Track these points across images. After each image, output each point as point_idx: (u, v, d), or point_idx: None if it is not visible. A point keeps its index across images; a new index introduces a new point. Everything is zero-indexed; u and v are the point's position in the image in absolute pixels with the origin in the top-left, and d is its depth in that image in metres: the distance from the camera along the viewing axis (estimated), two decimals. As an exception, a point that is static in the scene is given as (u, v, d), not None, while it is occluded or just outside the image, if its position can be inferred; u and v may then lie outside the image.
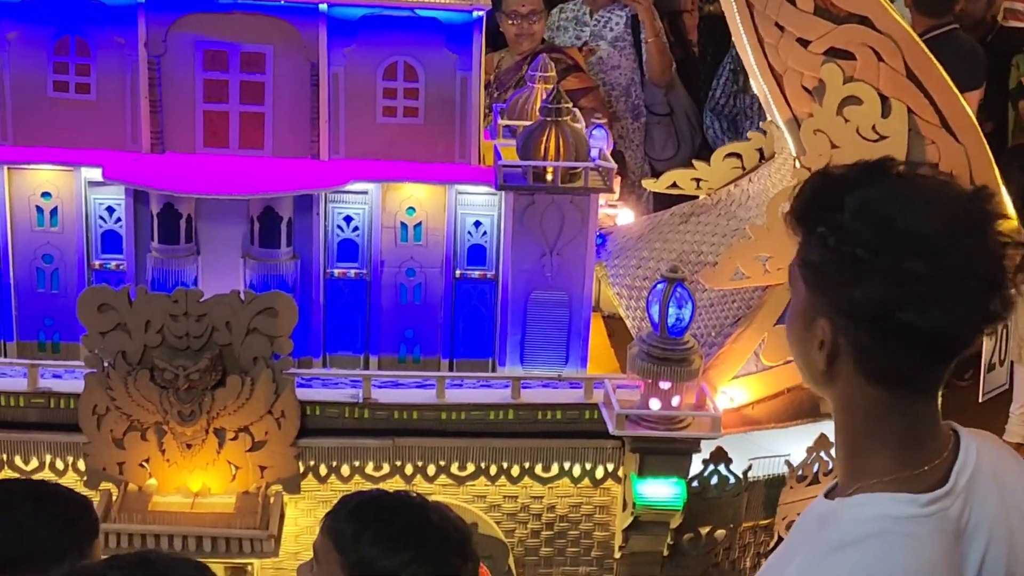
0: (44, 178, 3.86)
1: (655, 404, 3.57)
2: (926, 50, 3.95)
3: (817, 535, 1.92)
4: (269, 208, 3.82)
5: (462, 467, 3.72)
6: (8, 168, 3.82)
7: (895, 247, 1.82)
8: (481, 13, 3.88)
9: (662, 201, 5.30)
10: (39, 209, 3.87)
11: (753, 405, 3.86)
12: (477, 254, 3.94)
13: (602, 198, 4.09)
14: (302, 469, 3.65)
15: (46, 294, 3.92)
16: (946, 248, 1.81)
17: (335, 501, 2.72)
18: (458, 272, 3.96)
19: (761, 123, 4.39)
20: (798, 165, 3.94)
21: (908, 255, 1.80)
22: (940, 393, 1.95)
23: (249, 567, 3.67)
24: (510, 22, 5.89)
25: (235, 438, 3.58)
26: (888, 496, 1.89)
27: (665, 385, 3.55)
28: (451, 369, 3.98)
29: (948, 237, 1.82)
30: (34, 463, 3.64)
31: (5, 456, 3.63)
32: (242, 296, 3.55)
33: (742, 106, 6.41)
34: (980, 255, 1.83)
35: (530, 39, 5.95)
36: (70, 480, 3.63)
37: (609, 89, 6.35)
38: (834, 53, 3.88)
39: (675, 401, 3.56)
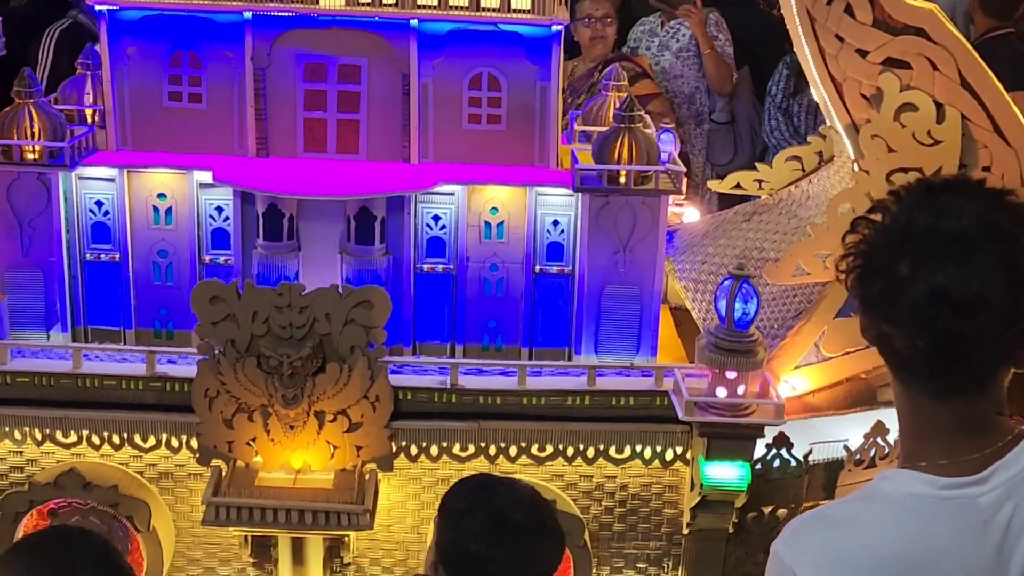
0: (160, 180, 3.89)
1: (722, 392, 3.52)
2: (979, 59, 3.85)
3: None
4: (364, 208, 3.82)
5: (541, 448, 3.70)
6: (128, 171, 3.86)
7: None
8: (559, 27, 3.87)
9: (724, 201, 5.24)
10: (155, 209, 3.91)
11: (814, 393, 3.80)
12: (555, 251, 3.92)
13: (671, 198, 4.05)
14: (394, 449, 3.66)
15: (161, 286, 3.96)
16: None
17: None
18: (537, 267, 3.93)
19: (821, 128, 4.31)
20: (856, 168, 3.87)
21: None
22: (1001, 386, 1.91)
23: (346, 539, 3.69)
24: (585, 26, 5.86)
25: (334, 420, 3.59)
26: (911, 474, 1.90)
27: (731, 374, 3.51)
28: (530, 357, 3.96)
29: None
30: (151, 441, 3.67)
31: (125, 435, 3.66)
32: (340, 290, 3.54)
33: (797, 109, 6.30)
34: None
35: (603, 42, 5.92)
36: (184, 457, 3.69)
37: (672, 97, 6.28)
38: (891, 63, 3.80)
39: (740, 389, 3.52)
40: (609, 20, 5.89)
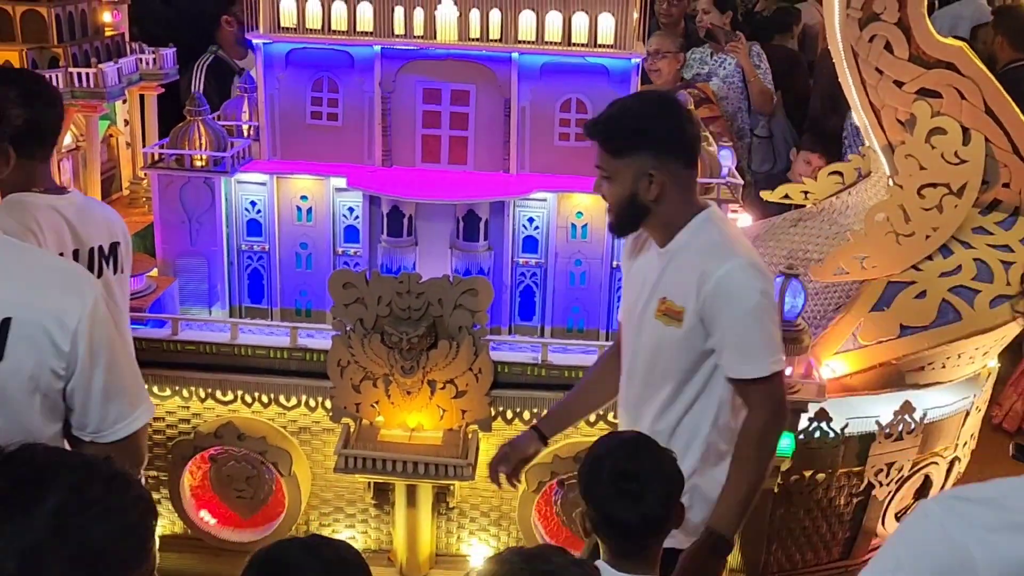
0: (303, 185, 3.99)
1: (772, 372, 3.54)
2: (1001, 90, 3.82)
3: None
4: (471, 211, 3.89)
5: (617, 416, 3.73)
6: (277, 177, 3.97)
7: None
8: (638, 60, 3.89)
9: (768, 209, 5.22)
10: (299, 208, 4.01)
11: (851, 376, 3.79)
12: (630, 249, 3.96)
13: (729, 205, 4.06)
14: (493, 413, 3.71)
15: (302, 272, 4.07)
16: None
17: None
18: (615, 263, 3.97)
19: (860, 147, 4.29)
20: (891, 183, 3.86)
21: None
22: None
23: (451, 487, 3.78)
24: (645, 62, 5.81)
25: (443, 388, 3.65)
26: None
27: (780, 358, 3.53)
28: (607, 339, 4.00)
29: None
30: (293, 401, 3.76)
31: (272, 396, 3.76)
32: (451, 279, 3.62)
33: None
34: None
35: (658, 75, 5.82)
36: (319, 415, 3.78)
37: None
38: (924, 92, 3.77)
39: (788, 371, 3.53)
40: (661, 55, 5.76)
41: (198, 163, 3.86)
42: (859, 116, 3.95)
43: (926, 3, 3.76)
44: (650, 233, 2.81)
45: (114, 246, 2.99)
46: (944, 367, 3.83)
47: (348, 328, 3.62)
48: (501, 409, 3.73)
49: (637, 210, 2.72)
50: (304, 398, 3.76)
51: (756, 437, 2.69)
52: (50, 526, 1.35)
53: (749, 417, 2.72)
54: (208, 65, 5.96)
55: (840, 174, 4.43)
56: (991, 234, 3.75)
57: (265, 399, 3.78)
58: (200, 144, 3.84)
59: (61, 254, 2.74)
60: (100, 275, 2.93)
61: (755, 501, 2.73)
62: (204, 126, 3.85)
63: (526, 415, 3.73)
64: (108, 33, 4.68)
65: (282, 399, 3.76)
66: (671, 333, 2.72)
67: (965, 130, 3.73)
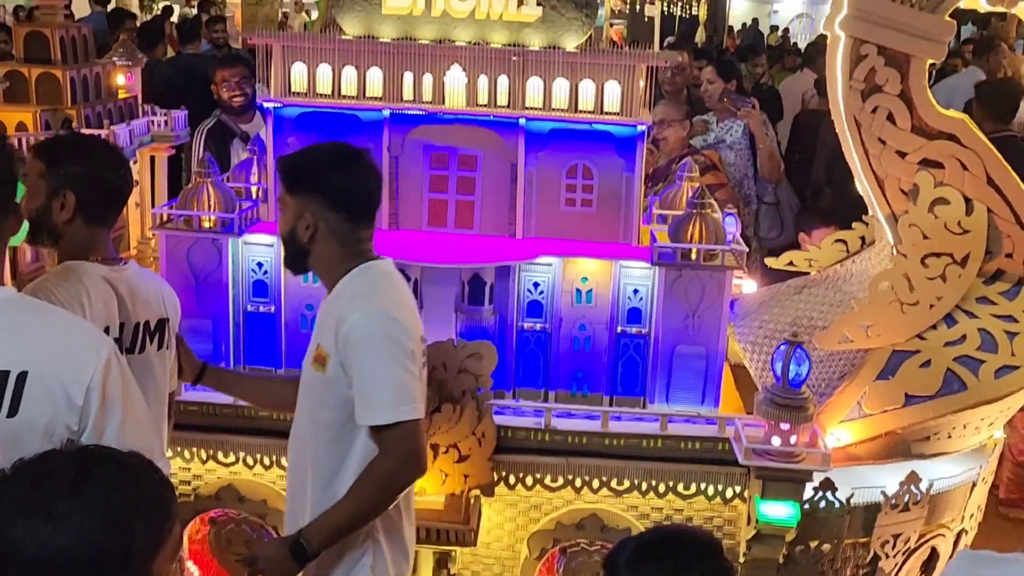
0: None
1: (776, 441, 3.53)
2: (1003, 160, 3.86)
3: None
4: (476, 275, 3.90)
5: (620, 483, 3.72)
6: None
7: None
8: (643, 127, 3.92)
9: (774, 275, 5.24)
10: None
11: (856, 445, 3.77)
12: (635, 315, 3.96)
13: (734, 272, 4.07)
14: (496, 478, 3.69)
15: (307, 334, 3.85)
16: None
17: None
18: (619, 328, 3.97)
19: (864, 216, 4.32)
20: (895, 252, 3.88)
21: None
22: None
23: (453, 553, 3.72)
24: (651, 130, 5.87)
25: (446, 452, 3.63)
26: None
27: (785, 426, 3.52)
28: (611, 404, 3.99)
29: None
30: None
31: (274, 458, 3.74)
32: (455, 343, 3.63)
33: None
34: None
35: (664, 143, 5.89)
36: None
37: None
38: (926, 163, 3.81)
39: (793, 439, 3.52)
40: (667, 124, 5.83)
41: (206, 224, 3.88)
42: (862, 185, 3.98)
43: (927, 76, 3.81)
44: (321, 279, 3.03)
45: (162, 323, 3.02)
46: (950, 437, 3.81)
47: (352, 390, 3.61)
48: (504, 474, 3.70)
49: (296, 248, 2.95)
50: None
51: (378, 476, 2.80)
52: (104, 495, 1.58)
53: (377, 458, 2.82)
54: (210, 129, 6.04)
55: (844, 242, 4.46)
56: (995, 304, 3.76)
57: (267, 461, 3.76)
58: (209, 205, 3.87)
59: (107, 328, 2.76)
60: (143, 351, 2.94)
61: (350, 531, 2.86)
62: (213, 188, 3.88)
63: (529, 480, 3.72)
64: (121, 95, 4.74)
65: (284, 461, 3.64)
66: (320, 378, 2.88)
67: (968, 200, 3.76)
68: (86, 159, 2.86)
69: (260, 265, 4.00)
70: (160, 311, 3.03)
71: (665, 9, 26.64)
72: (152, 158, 5.02)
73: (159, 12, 15.99)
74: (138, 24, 11.05)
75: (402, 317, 2.87)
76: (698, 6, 26.44)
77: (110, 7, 13.05)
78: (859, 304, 3.86)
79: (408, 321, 2.89)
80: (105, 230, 2.92)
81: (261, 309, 4.03)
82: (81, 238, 2.86)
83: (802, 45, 18.59)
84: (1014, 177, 3.83)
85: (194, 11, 14.41)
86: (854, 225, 4.43)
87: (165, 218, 3.97)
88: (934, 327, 3.76)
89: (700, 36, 24.22)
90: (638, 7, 26.29)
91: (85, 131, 4.25)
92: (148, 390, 2.87)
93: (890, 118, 3.81)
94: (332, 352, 2.83)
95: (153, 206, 4.94)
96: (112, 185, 2.90)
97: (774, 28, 29.41)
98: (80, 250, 2.85)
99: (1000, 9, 3.81)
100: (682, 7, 26.58)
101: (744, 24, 28.27)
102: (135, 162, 4.90)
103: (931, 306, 3.75)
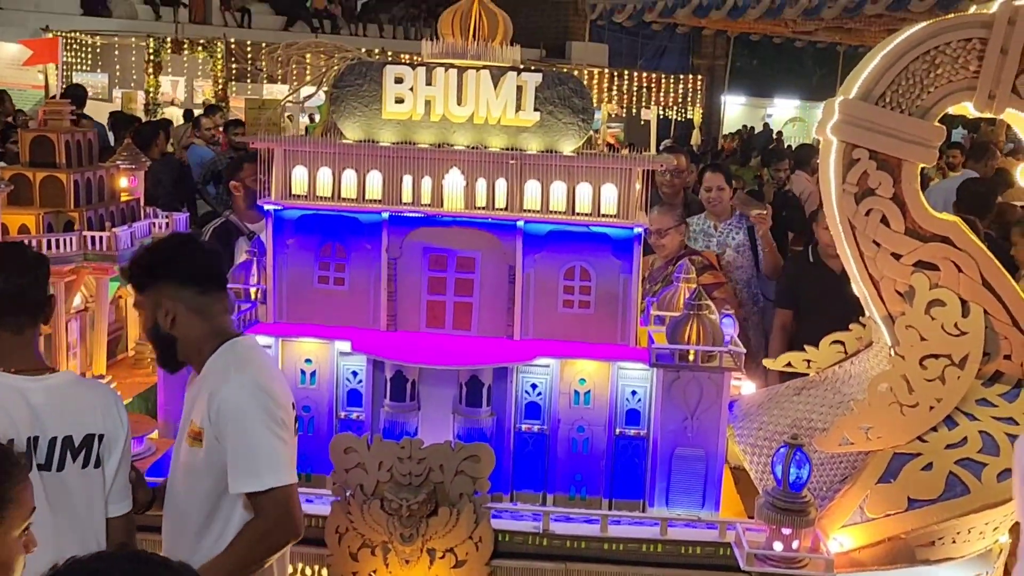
0: (307, 348, 4.00)
1: (778, 546, 3.48)
2: (997, 263, 3.89)
3: None
4: (474, 376, 3.89)
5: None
6: (282, 340, 3.99)
7: None
8: (640, 230, 3.97)
9: (777, 375, 5.24)
10: (302, 372, 4.01)
11: (859, 550, 3.70)
12: (633, 416, 3.94)
13: (732, 373, 4.06)
14: (494, 584, 3.62)
15: (304, 436, 3.96)
16: None
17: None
18: (618, 430, 3.95)
19: (861, 318, 4.32)
20: (893, 353, 3.87)
21: None
22: None
23: (449, 661, 3.64)
24: (649, 238, 5.89)
25: (443, 557, 3.58)
26: None
27: (787, 531, 3.47)
28: (610, 508, 3.95)
29: None
30: (289, 569, 3.58)
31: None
32: (452, 445, 3.60)
33: None
34: None
35: (662, 249, 5.93)
36: (315, 584, 3.69)
37: (734, 284, 6.38)
38: (922, 265, 3.83)
39: (795, 544, 3.47)
40: (662, 234, 5.87)
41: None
42: (858, 287, 4.00)
43: (919, 180, 3.86)
44: (191, 364, 3.09)
45: (90, 438, 2.91)
46: (955, 542, 3.75)
47: (348, 494, 3.59)
48: (502, 580, 3.63)
49: (163, 341, 3.03)
50: (300, 566, 3.67)
51: (253, 537, 2.88)
52: None
53: (254, 519, 2.89)
54: (216, 229, 6.10)
55: (842, 343, 4.45)
56: (995, 406, 3.74)
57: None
58: (207, 307, 3.86)
59: (11, 440, 2.61)
60: (61, 468, 2.84)
61: None
62: (213, 289, 3.88)
63: (527, 586, 3.64)
64: (124, 198, 4.80)
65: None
66: (196, 454, 2.93)
67: (964, 302, 3.77)
68: None
69: (257, 366, 3.98)
70: (93, 426, 2.93)
71: (661, 113, 27.20)
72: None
73: (162, 116, 16.31)
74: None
75: (272, 387, 2.97)
76: (693, 110, 27.05)
77: (115, 111, 13.34)
78: (859, 406, 3.83)
79: (278, 390, 2.99)
80: (15, 336, 2.87)
81: (257, 410, 3.99)
82: None
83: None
84: (1009, 280, 3.85)
85: (199, 111, 14.67)
86: (852, 327, 4.43)
87: (164, 319, 3.96)
88: (935, 429, 3.73)
89: (696, 139, 24.69)
90: (634, 111, 26.86)
91: (87, 233, 4.29)
92: (62, 510, 2.82)
93: (884, 221, 3.84)
94: (207, 426, 2.91)
95: (152, 307, 4.95)
96: (13, 291, 2.85)
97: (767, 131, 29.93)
98: None
99: (988, 115, 3.88)
100: (677, 111, 27.12)
101: (745, 126, 28.76)
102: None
103: (931, 408, 3.73)
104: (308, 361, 4.00)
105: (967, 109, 3.87)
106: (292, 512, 2.91)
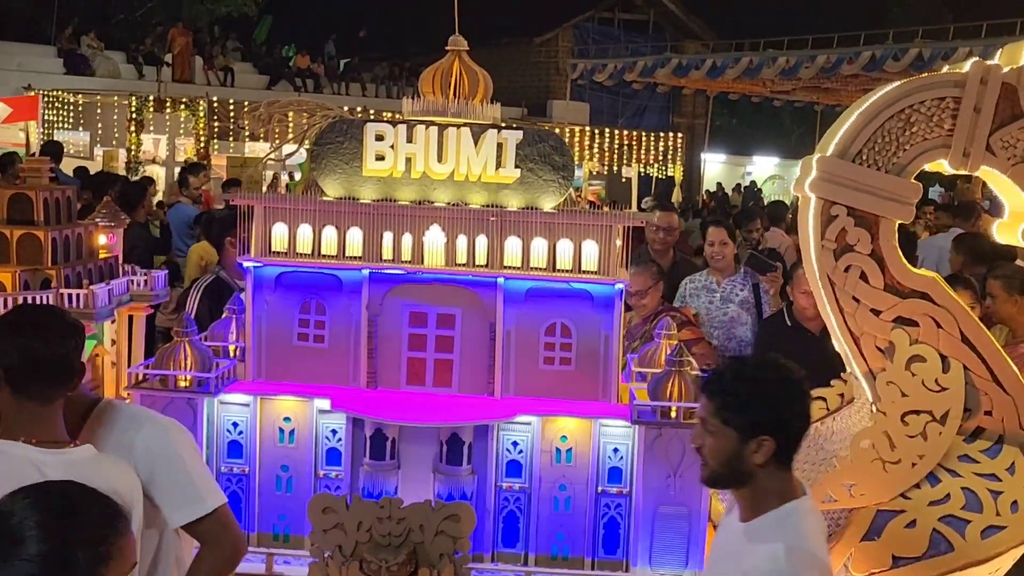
0: (286, 406, 3.97)
1: (763, 605, 3.43)
2: (977, 320, 3.91)
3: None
4: (455, 434, 3.86)
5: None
6: (261, 399, 3.96)
7: None
8: (621, 286, 3.98)
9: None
10: (281, 430, 3.97)
11: (844, 609, 3.68)
12: (615, 474, 3.91)
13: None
14: (474, 647, 3.57)
15: (282, 496, 3.97)
16: None
17: None
18: (600, 488, 3.92)
19: (843, 374, 4.33)
20: (874, 409, 3.88)
21: None
22: None
23: None
24: (628, 299, 5.90)
25: None
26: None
27: (771, 589, 3.42)
28: (593, 567, 3.90)
29: None
30: None
31: (243, 626, 3.62)
32: (433, 504, 3.56)
33: None
34: None
35: (643, 309, 5.95)
36: (292, 648, 3.63)
37: (738, 341, 6.39)
38: (901, 321, 3.85)
39: None
40: (642, 296, 5.91)
41: (182, 383, 3.86)
42: (839, 343, 4.01)
43: (896, 236, 3.90)
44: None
45: None
46: (940, 600, 3.72)
47: (326, 555, 3.53)
48: (482, 643, 3.58)
49: None
50: (278, 629, 3.61)
51: (215, 566, 2.98)
52: None
53: (204, 550, 2.96)
54: (207, 286, 6.07)
55: (823, 399, 4.45)
56: (977, 462, 3.74)
57: (237, 629, 3.61)
58: (185, 364, 3.85)
59: None
60: None
61: None
62: (190, 347, 3.88)
63: (508, 649, 3.58)
64: (102, 255, 4.78)
65: (252, 630, 3.61)
66: None
67: (944, 358, 3.78)
68: (18, 331, 2.72)
69: (235, 425, 3.96)
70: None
71: (642, 171, 27.51)
72: (130, 317, 5.02)
73: (144, 175, 16.35)
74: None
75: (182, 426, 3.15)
76: (674, 168, 27.36)
77: (96, 170, 13.36)
78: (841, 463, 3.82)
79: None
80: (40, 405, 2.73)
81: (235, 470, 3.97)
82: (10, 413, 2.70)
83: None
84: (988, 335, 3.87)
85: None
86: (833, 383, 4.43)
87: (140, 378, 3.95)
88: (918, 486, 3.73)
89: (676, 196, 24.92)
90: (615, 169, 27.14)
91: (64, 290, 4.27)
92: None
93: (863, 277, 3.87)
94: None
95: (129, 365, 4.91)
96: (41, 358, 2.71)
97: (747, 189, 30.27)
98: (11, 426, 2.68)
99: (964, 172, 3.94)
100: (658, 169, 27.43)
101: (719, 185, 29.07)
102: (113, 321, 4.90)
103: (913, 464, 3.73)
104: (287, 419, 3.97)
105: (943, 166, 3.93)
106: (237, 528, 3.07)
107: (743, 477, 2.84)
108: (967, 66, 3.83)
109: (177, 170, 15.89)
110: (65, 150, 15.13)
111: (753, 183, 29.65)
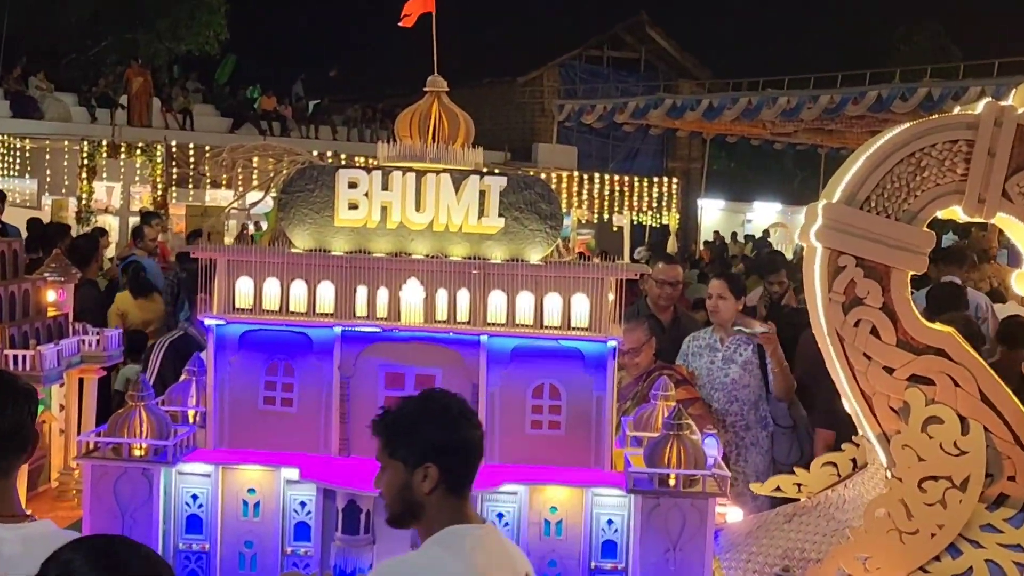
0: (251, 477, 3.93)
1: None
2: (996, 378, 3.94)
3: None
4: (435, 505, 3.83)
5: None
6: (223, 468, 3.92)
7: None
8: (614, 344, 3.99)
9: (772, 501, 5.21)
10: (245, 503, 3.92)
11: None
12: (609, 548, 3.88)
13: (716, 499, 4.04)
14: None
15: (246, 574, 3.94)
16: None
17: None
18: (593, 564, 3.87)
19: (854, 437, 4.35)
20: (889, 475, 3.89)
21: None
22: None
23: None
24: (620, 357, 5.90)
25: None
26: None
27: (781, 673, 3.41)
28: (586, 650, 3.85)
29: None
30: None
31: None
32: (411, 582, 3.52)
33: None
34: None
35: (636, 367, 5.97)
36: None
37: (741, 404, 6.41)
38: (916, 379, 3.88)
39: None
40: (635, 354, 5.94)
41: (137, 452, 3.83)
42: (850, 404, 4.04)
43: (909, 288, 3.94)
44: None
45: None
46: None
47: (293, 639, 3.49)
48: None
49: None
50: None
51: None
52: None
53: None
54: (171, 343, 6.04)
55: (834, 464, 4.47)
56: (1001, 532, 3.75)
57: None
58: (140, 432, 3.83)
59: None
60: None
61: None
62: (146, 412, 3.85)
63: None
64: (51, 313, 4.77)
65: None
66: None
67: (963, 419, 3.81)
68: None
69: (195, 498, 3.92)
70: None
71: (635, 218, 27.70)
72: (81, 380, 5.00)
73: (96, 226, 16.35)
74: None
75: None
76: (668, 215, 27.55)
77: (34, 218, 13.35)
78: (855, 533, 3.83)
79: None
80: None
81: (195, 547, 3.92)
82: None
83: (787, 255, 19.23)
84: (1009, 395, 3.90)
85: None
86: (844, 446, 4.45)
87: (91, 446, 3.92)
88: (937, 559, 3.73)
89: (672, 246, 25.06)
90: (606, 217, 27.31)
91: (9, 351, 4.25)
92: None
93: (874, 332, 3.91)
94: None
95: (79, 432, 4.88)
96: (8, 429, 2.77)
97: (749, 238, 30.51)
98: None
99: (979, 219, 3.99)
100: (652, 216, 27.59)
101: (717, 233, 29.27)
102: (62, 385, 4.87)
103: (932, 535, 3.73)
104: (251, 491, 3.93)
105: (956, 213, 3.98)
106: None
107: (416, 509, 3.06)
108: (980, 107, 3.90)
109: (132, 220, 15.88)
110: (10, 199, 15.13)
111: (766, 232, 29.79)
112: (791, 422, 6.59)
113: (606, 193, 26.25)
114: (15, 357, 4.24)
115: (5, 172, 20.09)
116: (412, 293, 3.96)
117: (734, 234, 31.29)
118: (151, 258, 11.75)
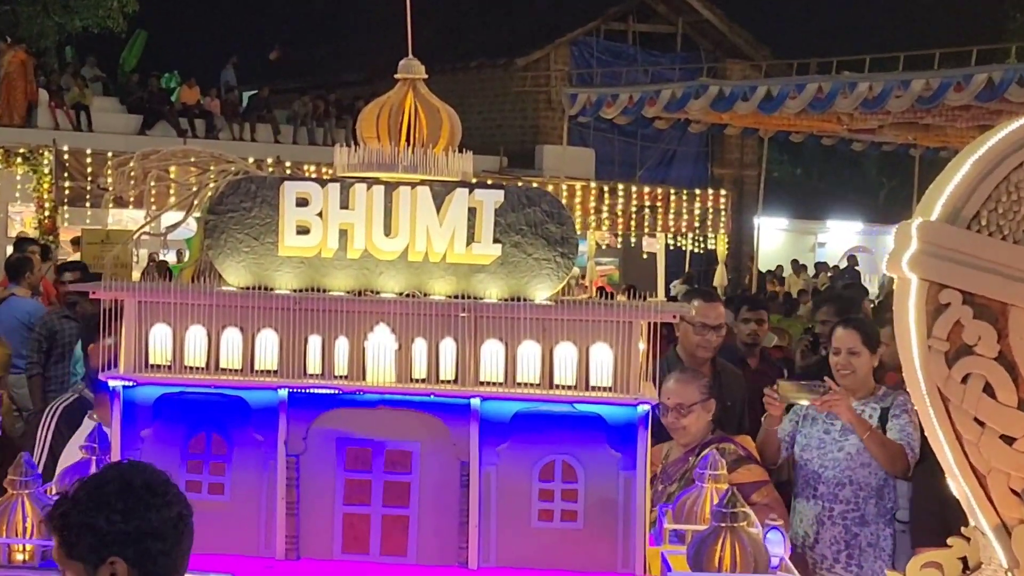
0: (169, 587, 3.95)
1: None
2: None
3: None
4: (413, 625, 3.86)
5: None
6: (132, 577, 3.93)
7: None
8: (647, 407, 3.99)
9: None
10: (161, 621, 3.94)
11: None
12: None
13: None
14: None
15: None
16: None
17: None
18: None
19: (963, 528, 4.34)
20: (1011, 579, 3.88)
21: None
22: None
23: None
24: (664, 412, 5.84)
25: None
26: None
27: None
28: None
29: None
30: None
31: None
32: None
33: None
34: None
35: (684, 432, 5.89)
36: None
37: (856, 489, 6.31)
38: (1045, 452, 3.88)
39: None
40: (689, 410, 5.85)
41: (19, 556, 3.83)
42: (958, 486, 4.02)
43: (1034, 331, 3.94)
44: None
45: None
46: None
47: None
48: None
49: None
50: None
51: None
52: None
53: None
54: (65, 408, 6.05)
55: (939, 567, 4.45)
56: None
57: None
58: (23, 529, 3.83)
59: None
60: None
61: None
62: (30, 503, 3.85)
63: None
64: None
65: None
66: None
67: (1108, 505, 3.81)
68: None
69: (95, 614, 3.92)
70: None
71: (671, 243, 27.71)
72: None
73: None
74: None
75: None
76: (715, 238, 27.52)
77: None
78: (968, 655, 3.82)
79: None
80: None
81: None
82: None
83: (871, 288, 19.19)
84: None
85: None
86: (951, 541, 4.44)
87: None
88: None
89: (720, 278, 25.08)
90: (633, 241, 27.37)
91: None
92: None
93: (988, 390, 3.90)
94: None
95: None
96: None
97: (821, 265, 30.59)
98: None
99: (1122, 241, 4.00)
100: (694, 239, 27.54)
101: (779, 267, 29.31)
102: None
103: (1068, 658, 3.72)
104: (170, 605, 3.93)
105: (1094, 233, 3.99)
106: None
107: None
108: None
109: (9, 249, 15.89)
110: None
111: (852, 259, 29.82)
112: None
113: (633, 210, 26.21)
114: None
115: None
116: (381, 344, 3.98)
117: (795, 262, 31.26)
118: (35, 298, 11.75)
